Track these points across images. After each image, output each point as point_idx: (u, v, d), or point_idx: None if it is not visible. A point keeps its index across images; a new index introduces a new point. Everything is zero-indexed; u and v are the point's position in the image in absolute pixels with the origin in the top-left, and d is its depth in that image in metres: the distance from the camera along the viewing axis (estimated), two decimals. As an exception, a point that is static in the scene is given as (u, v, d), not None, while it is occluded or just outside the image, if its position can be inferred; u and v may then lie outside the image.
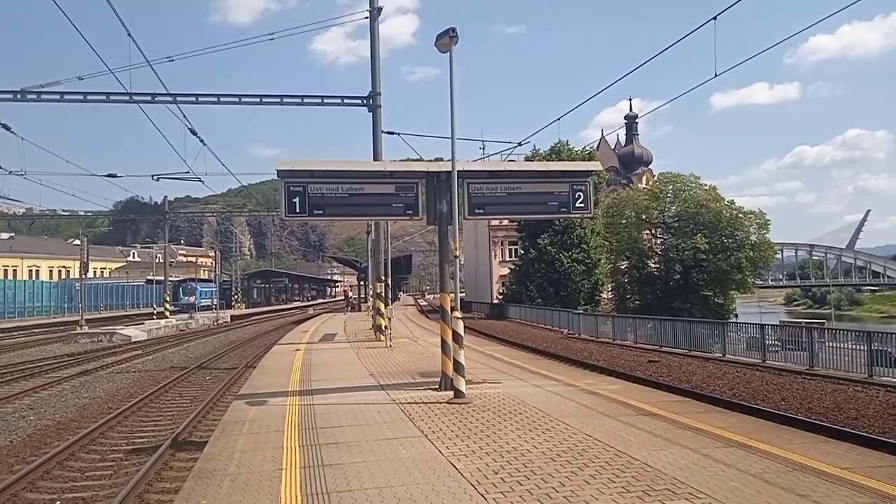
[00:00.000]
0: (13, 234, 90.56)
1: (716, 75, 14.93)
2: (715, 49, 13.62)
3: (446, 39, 9.72)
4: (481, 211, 10.96)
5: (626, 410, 8.95)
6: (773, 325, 22.22)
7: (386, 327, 20.29)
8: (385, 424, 8.26)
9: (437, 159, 15.67)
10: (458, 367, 9.74)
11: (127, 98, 19.33)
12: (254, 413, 9.26)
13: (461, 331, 9.85)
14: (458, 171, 10.40)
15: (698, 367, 19.25)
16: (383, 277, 21.88)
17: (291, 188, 10.11)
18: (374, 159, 20.48)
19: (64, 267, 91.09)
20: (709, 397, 13.41)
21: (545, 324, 39.34)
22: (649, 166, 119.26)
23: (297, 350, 18.92)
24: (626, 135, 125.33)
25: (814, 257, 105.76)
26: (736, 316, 56.18)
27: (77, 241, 65.28)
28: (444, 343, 10.33)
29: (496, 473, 5.92)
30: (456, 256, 10.32)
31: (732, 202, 55.02)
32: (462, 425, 8.05)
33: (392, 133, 21.68)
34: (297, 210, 10.17)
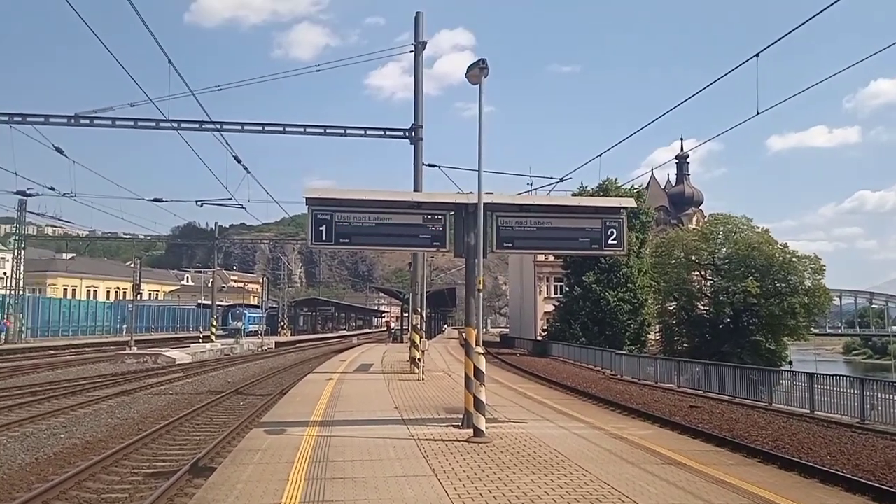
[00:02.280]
0: (74, 255, 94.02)
1: (758, 113, 14.70)
2: (757, 86, 13.34)
3: (476, 71, 9.67)
4: (510, 244, 10.78)
5: (651, 458, 8.54)
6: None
7: (419, 360, 20.09)
8: (397, 461, 8.06)
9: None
10: (478, 404, 9.48)
11: (175, 126, 19.93)
12: (269, 442, 9.18)
13: (482, 367, 9.61)
14: (487, 204, 10.28)
15: (742, 415, 18.42)
16: (419, 309, 21.75)
17: (318, 216, 10.10)
18: (415, 192, 20.55)
19: (120, 288, 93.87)
20: (747, 447, 12.75)
21: (587, 363, 38.48)
22: (700, 207, 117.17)
23: (330, 379, 18.87)
24: (676, 174, 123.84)
25: (874, 305, 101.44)
26: (790, 364, 54.04)
27: (134, 264, 67.22)
28: (467, 378, 10.08)
29: (499, 519, 5.65)
30: (480, 290, 10.11)
31: (786, 245, 53.38)
32: (476, 466, 7.77)
33: (433, 165, 21.79)
34: (324, 238, 10.16)
